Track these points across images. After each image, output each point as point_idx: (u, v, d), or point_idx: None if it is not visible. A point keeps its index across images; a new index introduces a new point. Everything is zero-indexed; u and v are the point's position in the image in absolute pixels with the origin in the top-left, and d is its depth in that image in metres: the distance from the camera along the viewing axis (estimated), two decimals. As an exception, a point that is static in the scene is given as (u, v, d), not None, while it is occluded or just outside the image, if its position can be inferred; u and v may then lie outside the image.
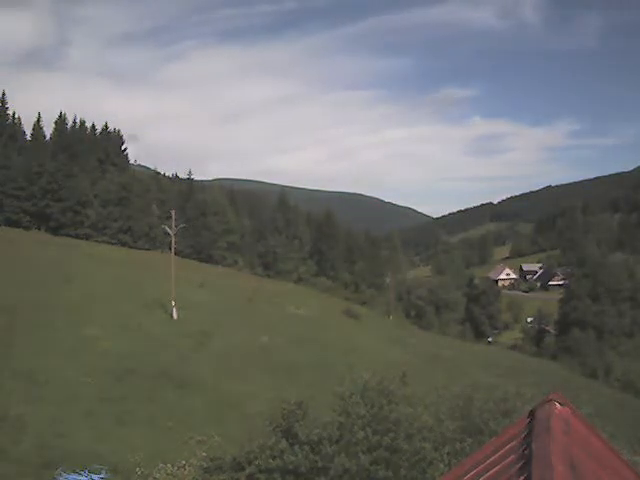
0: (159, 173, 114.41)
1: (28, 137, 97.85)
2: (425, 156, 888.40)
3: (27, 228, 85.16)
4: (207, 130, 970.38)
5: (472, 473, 3.62)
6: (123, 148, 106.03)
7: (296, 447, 14.10)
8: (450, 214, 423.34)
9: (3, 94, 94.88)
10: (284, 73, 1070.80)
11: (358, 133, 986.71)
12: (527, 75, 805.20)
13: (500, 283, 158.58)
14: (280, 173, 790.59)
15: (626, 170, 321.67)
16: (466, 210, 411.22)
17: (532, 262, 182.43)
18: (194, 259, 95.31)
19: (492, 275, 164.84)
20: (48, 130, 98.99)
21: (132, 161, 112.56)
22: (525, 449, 3.40)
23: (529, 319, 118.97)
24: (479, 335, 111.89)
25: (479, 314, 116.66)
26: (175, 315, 53.40)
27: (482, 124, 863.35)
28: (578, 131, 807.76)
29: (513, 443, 3.66)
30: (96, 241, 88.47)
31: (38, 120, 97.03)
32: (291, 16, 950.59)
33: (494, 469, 3.50)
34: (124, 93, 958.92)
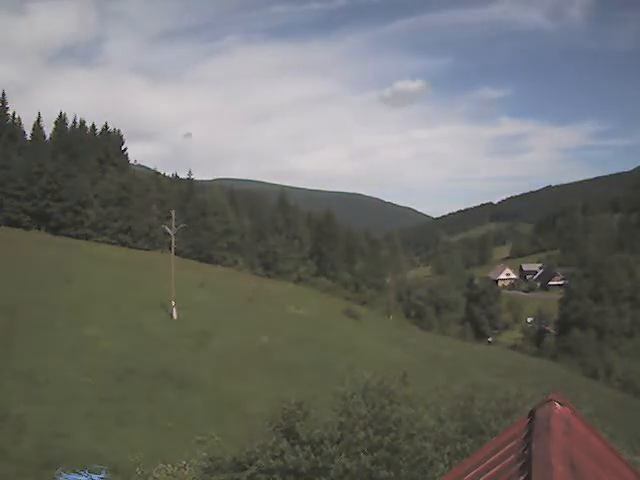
0: (159, 173, 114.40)
1: (28, 137, 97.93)
2: (448, 156, 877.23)
3: (27, 228, 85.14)
4: (236, 129, 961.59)
5: (472, 473, 3.62)
6: (123, 148, 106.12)
7: (297, 447, 14.10)
8: (450, 214, 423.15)
9: (3, 94, 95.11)
10: (323, 72, 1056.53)
11: (383, 133, 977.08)
12: (556, 75, 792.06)
13: (500, 283, 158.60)
14: (299, 174, 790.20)
15: (626, 170, 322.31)
16: (466, 210, 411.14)
17: (532, 262, 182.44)
18: (194, 259, 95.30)
19: (492, 275, 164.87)
20: (48, 130, 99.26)
21: (132, 161, 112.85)
22: (525, 449, 3.41)
23: (529, 319, 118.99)
24: (479, 335, 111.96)
25: (479, 314, 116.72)
26: (175, 315, 53.40)
27: (509, 124, 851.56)
28: (603, 132, 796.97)
29: (513, 443, 3.66)
30: (96, 241, 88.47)
31: (38, 120, 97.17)
32: (339, 14, 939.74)
33: (494, 469, 3.50)
34: (157, 90, 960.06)
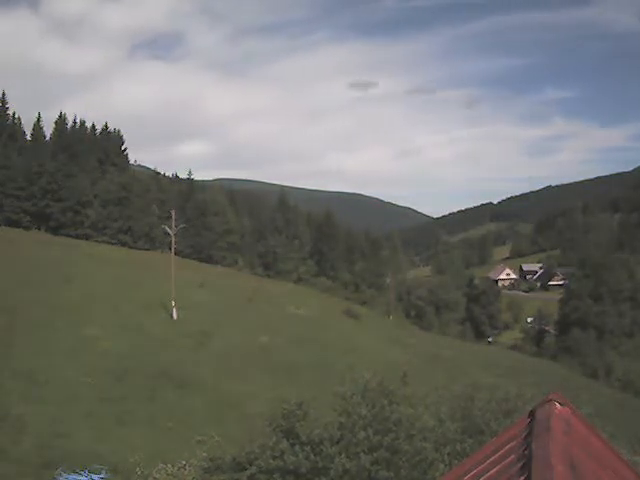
0: (159, 173, 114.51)
1: (28, 137, 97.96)
2: (485, 156, 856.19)
3: (27, 228, 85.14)
4: (293, 128, 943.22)
5: (472, 473, 3.62)
6: (123, 148, 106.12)
7: (297, 447, 14.10)
8: (450, 214, 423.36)
9: (3, 94, 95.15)
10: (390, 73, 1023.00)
11: (429, 133, 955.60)
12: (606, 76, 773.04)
13: (500, 283, 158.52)
14: (343, 173, 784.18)
15: (626, 170, 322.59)
16: (466, 210, 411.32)
17: (532, 262, 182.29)
18: (194, 259, 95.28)
19: (492, 275, 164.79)
20: (48, 130, 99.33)
21: (132, 161, 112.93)
22: (525, 449, 3.40)
23: (529, 319, 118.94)
24: (479, 335, 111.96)
25: (479, 314, 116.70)
26: (175, 315, 53.40)
27: (560, 125, 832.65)
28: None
29: (513, 443, 3.66)
30: (96, 241, 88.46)
31: (38, 120, 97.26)
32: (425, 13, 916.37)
33: (494, 469, 3.50)
34: (225, 86, 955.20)
